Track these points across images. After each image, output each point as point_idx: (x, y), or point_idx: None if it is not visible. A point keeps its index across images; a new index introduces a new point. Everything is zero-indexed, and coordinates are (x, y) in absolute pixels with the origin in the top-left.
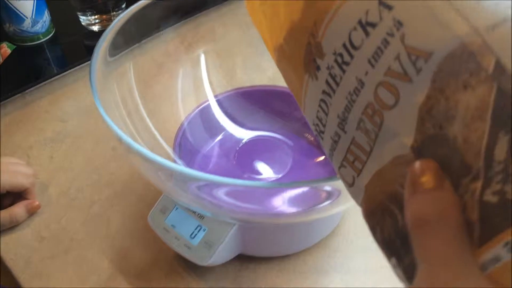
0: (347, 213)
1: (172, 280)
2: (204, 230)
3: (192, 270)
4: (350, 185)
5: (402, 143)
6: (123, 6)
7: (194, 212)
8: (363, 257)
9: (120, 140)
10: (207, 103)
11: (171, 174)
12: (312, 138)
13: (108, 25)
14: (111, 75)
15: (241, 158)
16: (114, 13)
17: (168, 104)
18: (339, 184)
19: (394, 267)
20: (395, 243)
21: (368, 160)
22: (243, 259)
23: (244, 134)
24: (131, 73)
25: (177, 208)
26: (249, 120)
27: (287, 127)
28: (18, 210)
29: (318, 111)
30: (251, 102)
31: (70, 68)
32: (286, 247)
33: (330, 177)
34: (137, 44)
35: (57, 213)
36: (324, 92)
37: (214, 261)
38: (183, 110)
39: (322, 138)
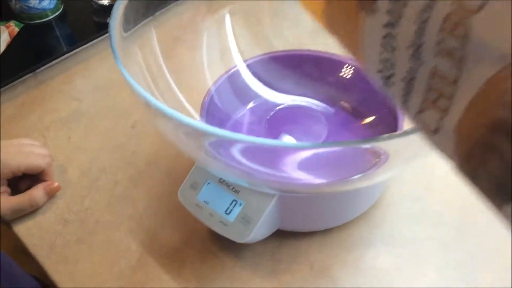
0: (390, 182)
1: (206, 260)
2: (240, 205)
3: (227, 248)
4: (433, 133)
5: (501, 52)
6: None
7: (228, 186)
8: (410, 227)
9: (148, 104)
10: (235, 68)
11: (206, 136)
12: (348, 105)
13: None
14: (132, 44)
15: (273, 126)
16: None
17: (194, 71)
18: (386, 144)
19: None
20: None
21: (456, 91)
22: (281, 235)
23: (276, 102)
24: (154, 40)
25: (209, 183)
26: (280, 87)
27: (321, 94)
28: (37, 192)
29: (381, 52)
30: (283, 67)
31: (81, 46)
32: (328, 220)
33: (378, 137)
34: (151, 17)
35: (79, 195)
36: (387, 24)
37: (253, 237)
38: (210, 76)
39: (391, 85)
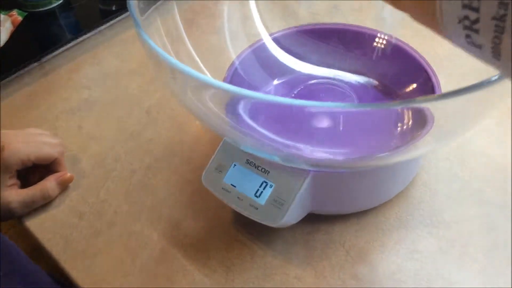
0: (426, 161)
1: (233, 249)
2: (270, 186)
3: (255, 237)
4: None
5: None
6: None
7: (257, 167)
8: (451, 207)
9: (174, 71)
10: (260, 42)
11: (235, 97)
12: (378, 81)
13: None
14: (153, 19)
15: None
16: None
17: (216, 44)
18: (436, 105)
19: None
20: None
21: None
22: (313, 220)
23: (303, 76)
24: (176, 14)
25: (235, 165)
26: (308, 61)
27: (350, 69)
28: (49, 184)
29: None
30: (310, 41)
31: (86, 34)
32: (363, 201)
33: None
34: None
35: (94, 186)
36: None
37: (286, 221)
38: (233, 49)
39: (477, 31)
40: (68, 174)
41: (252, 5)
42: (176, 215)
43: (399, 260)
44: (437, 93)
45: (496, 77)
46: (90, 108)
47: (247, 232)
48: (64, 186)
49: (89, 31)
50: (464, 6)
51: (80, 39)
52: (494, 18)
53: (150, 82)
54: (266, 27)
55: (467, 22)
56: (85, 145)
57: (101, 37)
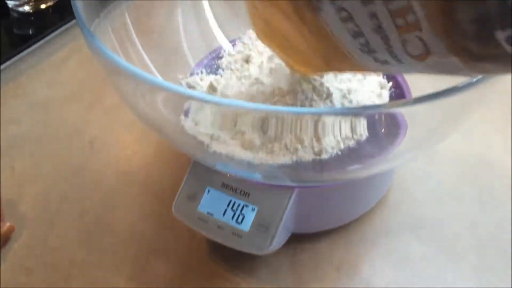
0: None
1: (216, 285)
2: (253, 210)
3: (236, 268)
4: (425, 54)
5: None
6: None
7: (234, 190)
8: (431, 207)
9: (137, 80)
10: (221, 49)
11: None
12: None
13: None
14: (103, 29)
15: None
16: None
17: (172, 53)
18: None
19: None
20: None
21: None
22: (295, 241)
23: None
24: (128, 23)
25: (209, 191)
26: None
27: None
28: None
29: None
30: None
31: (1, 64)
32: (346, 213)
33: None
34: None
35: (40, 234)
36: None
37: (274, 246)
38: (192, 58)
39: (374, 50)
40: (8, 224)
41: (208, 11)
42: (143, 253)
43: (393, 270)
44: (407, 97)
45: (477, 79)
46: (21, 145)
47: (226, 263)
48: (5, 240)
49: (4, 60)
50: (354, 36)
51: None
52: (375, 31)
53: (89, 108)
54: (225, 32)
55: (365, 48)
56: (21, 188)
57: (22, 65)
